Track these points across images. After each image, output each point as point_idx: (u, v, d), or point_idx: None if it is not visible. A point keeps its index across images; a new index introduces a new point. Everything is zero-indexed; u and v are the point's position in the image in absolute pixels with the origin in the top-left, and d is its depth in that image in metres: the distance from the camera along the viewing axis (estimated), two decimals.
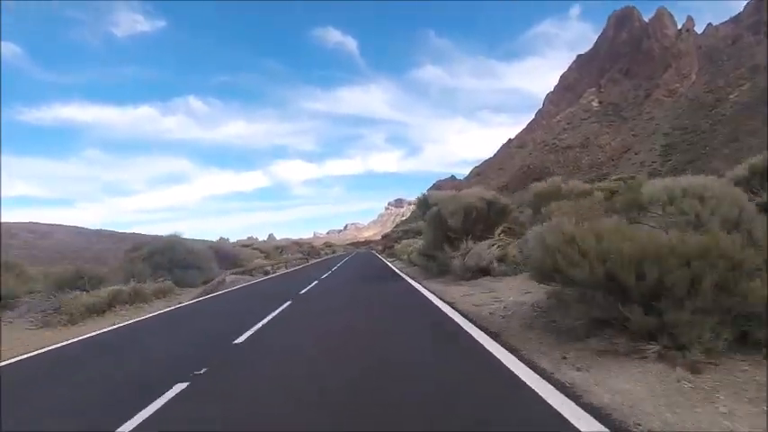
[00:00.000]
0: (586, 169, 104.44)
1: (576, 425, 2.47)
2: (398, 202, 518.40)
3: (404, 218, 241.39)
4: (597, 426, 2.47)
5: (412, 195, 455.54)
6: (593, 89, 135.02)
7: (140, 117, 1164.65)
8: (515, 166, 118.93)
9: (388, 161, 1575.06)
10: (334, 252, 70.48)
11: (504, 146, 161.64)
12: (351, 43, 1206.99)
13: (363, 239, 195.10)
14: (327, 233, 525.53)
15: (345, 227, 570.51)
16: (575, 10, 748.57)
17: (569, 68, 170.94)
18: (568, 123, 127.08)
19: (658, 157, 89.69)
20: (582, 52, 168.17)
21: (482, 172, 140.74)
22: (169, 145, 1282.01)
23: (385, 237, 74.06)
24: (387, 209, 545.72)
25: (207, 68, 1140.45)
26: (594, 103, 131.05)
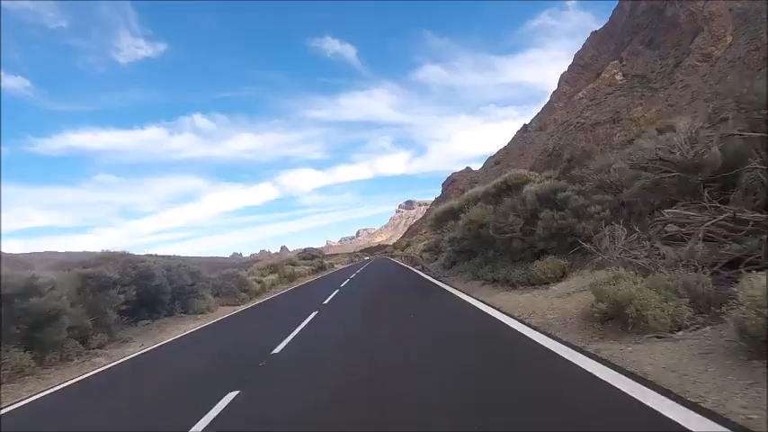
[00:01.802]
0: (620, 145, 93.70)
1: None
2: (409, 204, 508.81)
3: (415, 219, 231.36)
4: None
5: (422, 196, 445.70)
6: (616, 62, 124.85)
7: (148, 139, 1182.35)
8: (537, 149, 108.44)
9: (395, 163, 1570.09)
10: (332, 265, 41.05)
11: (519, 132, 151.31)
12: (350, 50, 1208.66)
13: (376, 244, 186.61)
14: (340, 241, 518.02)
15: (357, 233, 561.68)
16: (572, 0, 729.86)
17: (584, 46, 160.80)
18: (591, 100, 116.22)
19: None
20: (597, 29, 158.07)
21: (500, 161, 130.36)
22: (179, 164, 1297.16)
23: (442, 220, 25.87)
24: (398, 211, 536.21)
25: (210, 85, 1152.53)
26: (618, 77, 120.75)
